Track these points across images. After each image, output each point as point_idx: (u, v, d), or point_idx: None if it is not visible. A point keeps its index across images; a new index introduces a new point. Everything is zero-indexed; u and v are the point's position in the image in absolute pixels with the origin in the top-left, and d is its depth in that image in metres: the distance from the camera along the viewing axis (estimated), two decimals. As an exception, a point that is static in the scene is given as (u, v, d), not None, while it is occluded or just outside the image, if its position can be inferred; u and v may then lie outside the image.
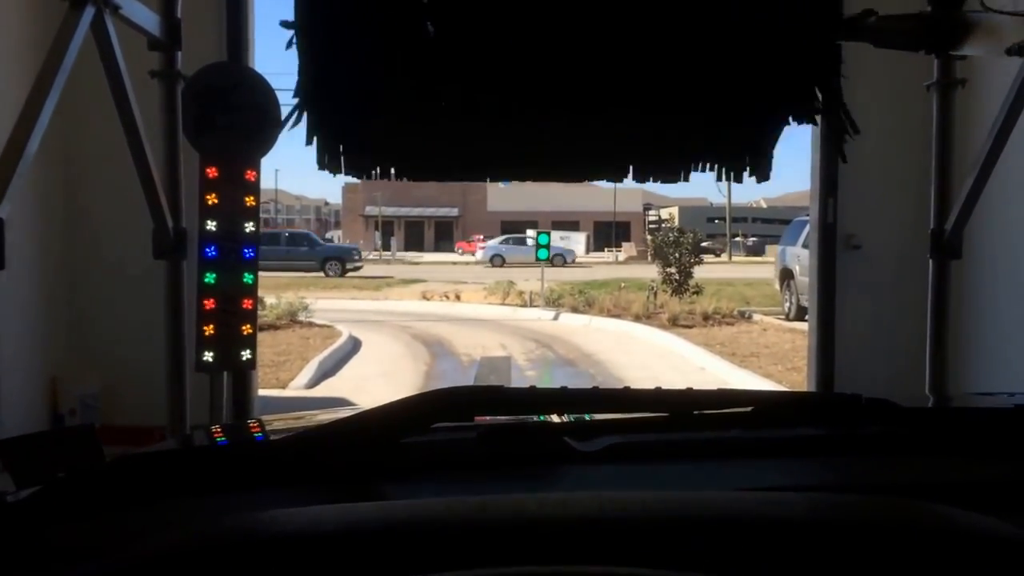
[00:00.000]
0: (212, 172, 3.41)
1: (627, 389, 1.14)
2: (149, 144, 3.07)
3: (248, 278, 3.56)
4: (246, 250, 3.50)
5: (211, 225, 3.42)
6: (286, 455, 1.09)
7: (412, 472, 1.07)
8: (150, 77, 3.22)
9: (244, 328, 3.54)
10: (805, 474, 1.13)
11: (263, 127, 3.45)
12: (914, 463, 1.14)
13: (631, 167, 3.23)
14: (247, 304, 3.55)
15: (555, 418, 1.20)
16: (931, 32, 3.12)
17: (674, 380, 7.39)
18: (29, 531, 0.93)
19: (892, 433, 1.19)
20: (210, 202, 3.42)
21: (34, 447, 1.08)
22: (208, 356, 3.42)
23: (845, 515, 0.71)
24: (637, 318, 12.43)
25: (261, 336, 9.54)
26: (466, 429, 1.16)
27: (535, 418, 1.22)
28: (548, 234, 17.42)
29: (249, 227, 3.52)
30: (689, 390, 1.13)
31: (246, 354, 3.54)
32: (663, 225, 34.44)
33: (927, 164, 4.12)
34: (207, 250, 3.39)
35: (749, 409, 1.15)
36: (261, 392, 5.78)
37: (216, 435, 1.73)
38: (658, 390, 1.12)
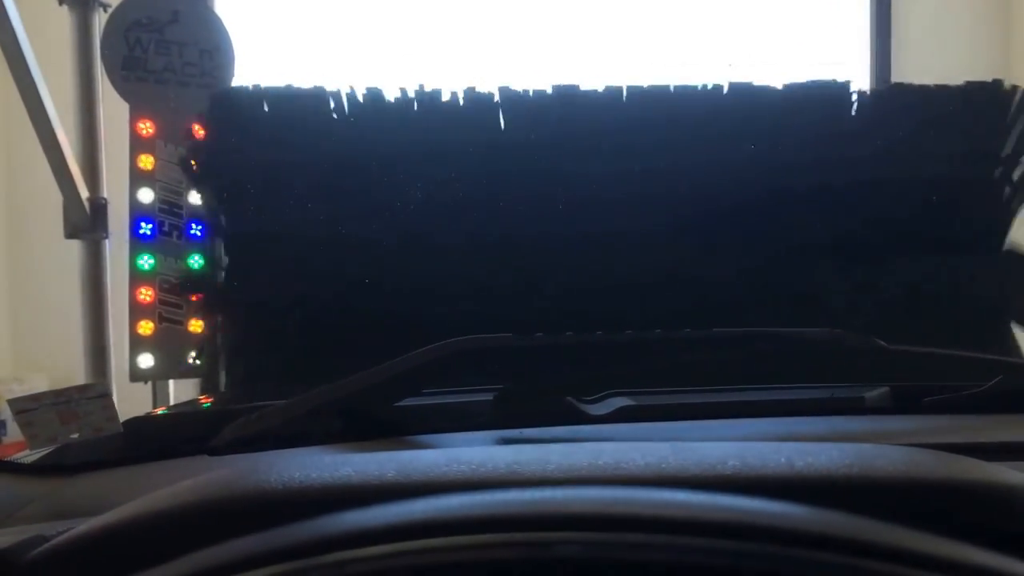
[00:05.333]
0: (145, 128, 2.69)
1: (632, 334, 1.09)
2: (50, 91, 2.33)
3: (198, 262, 2.84)
4: (193, 226, 2.79)
5: (145, 195, 2.69)
6: (290, 415, 1.05)
7: (418, 431, 1.03)
8: (58, 4, 2.48)
9: (192, 325, 2.83)
10: (819, 430, 1.04)
11: (211, 70, 2.74)
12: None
13: None
14: (198, 294, 2.84)
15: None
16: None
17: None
18: (42, 493, 0.91)
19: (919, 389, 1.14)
20: (143, 166, 2.69)
21: (47, 407, 1.06)
22: (145, 361, 2.71)
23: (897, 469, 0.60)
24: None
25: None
26: (471, 392, 1.14)
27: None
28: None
29: (197, 197, 2.80)
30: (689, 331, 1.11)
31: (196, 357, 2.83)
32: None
33: None
34: (139, 227, 2.67)
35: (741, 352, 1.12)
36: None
37: (221, 400, 1.69)
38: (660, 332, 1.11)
